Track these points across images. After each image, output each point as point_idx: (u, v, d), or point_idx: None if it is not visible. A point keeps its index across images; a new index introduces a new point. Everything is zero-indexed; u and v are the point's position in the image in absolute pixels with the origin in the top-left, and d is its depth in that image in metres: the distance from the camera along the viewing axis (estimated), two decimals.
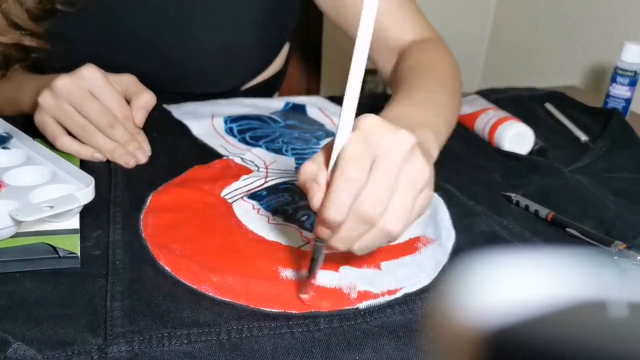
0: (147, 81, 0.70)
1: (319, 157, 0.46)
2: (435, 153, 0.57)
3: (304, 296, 0.48)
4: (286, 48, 0.94)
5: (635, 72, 0.92)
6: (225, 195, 0.63)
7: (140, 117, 0.68)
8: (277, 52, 0.91)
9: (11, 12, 0.67)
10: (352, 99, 0.43)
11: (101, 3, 0.74)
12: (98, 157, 0.67)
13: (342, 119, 0.44)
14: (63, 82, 0.63)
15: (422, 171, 0.44)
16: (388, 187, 0.43)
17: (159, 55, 0.79)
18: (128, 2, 0.76)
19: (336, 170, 0.43)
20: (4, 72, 0.73)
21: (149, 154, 0.69)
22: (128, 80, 0.69)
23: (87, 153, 0.67)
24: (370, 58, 0.84)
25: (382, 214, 0.44)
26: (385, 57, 0.81)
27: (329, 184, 0.44)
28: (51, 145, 0.66)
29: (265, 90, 0.92)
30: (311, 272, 0.48)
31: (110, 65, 0.69)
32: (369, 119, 0.44)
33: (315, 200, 0.44)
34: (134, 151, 0.67)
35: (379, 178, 0.43)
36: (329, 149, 0.45)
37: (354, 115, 0.44)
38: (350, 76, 0.43)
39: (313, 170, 0.45)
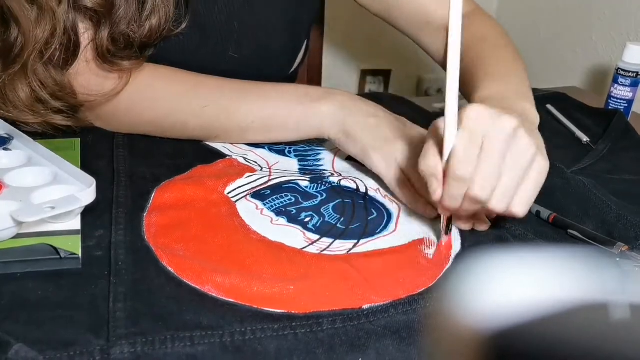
0: None
1: (430, 150, 0.54)
2: (537, 119, 0.61)
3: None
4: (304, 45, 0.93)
5: (637, 73, 0.92)
6: (229, 192, 0.63)
7: None
8: (299, 50, 0.90)
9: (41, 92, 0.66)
10: (454, 93, 0.51)
11: None
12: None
13: (447, 118, 0.51)
14: None
15: (527, 149, 0.51)
16: (494, 172, 0.50)
17: (198, 63, 0.77)
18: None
19: (448, 170, 0.51)
20: None
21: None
22: None
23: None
24: (416, 41, 0.84)
25: (490, 196, 0.52)
26: (432, 37, 0.81)
27: (444, 177, 0.52)
28: (52, 147, 0.66)
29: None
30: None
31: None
32: (473, 110, 0.51)
33: (436, 195, 0.54)
34: None
35: (485, 167, 0.50)
36: (435, 139, 0.53)
37: (457, 113, 0.51)
38: (448, 70, 0.51)
39: (431, 165, 0.53)
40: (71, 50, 0.65)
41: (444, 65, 0.80)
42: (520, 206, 0.53)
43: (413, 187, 0.63)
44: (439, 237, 0.58)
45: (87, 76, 0.67)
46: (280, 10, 0.79)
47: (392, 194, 0.66)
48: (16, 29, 0.62)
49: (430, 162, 0.53)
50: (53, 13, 0.63)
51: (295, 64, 0.88)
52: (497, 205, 0.52)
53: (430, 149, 0.54)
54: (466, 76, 0.69)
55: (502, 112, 0.51)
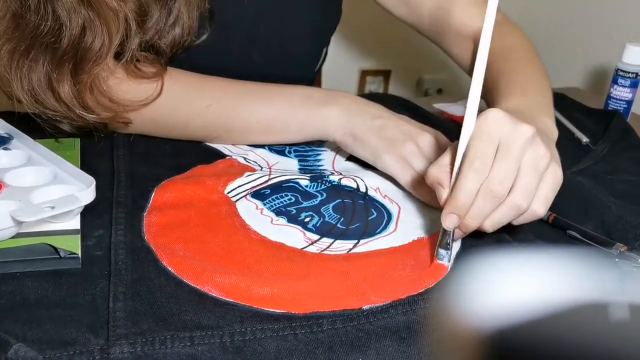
0: None
1: (443, 159, 0.55)
2: (555, 135, 0.64)
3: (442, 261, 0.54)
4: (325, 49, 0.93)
5: (637, 74, 0.92)
6: (229, 192, 0.63)
7: None
8: (320, 56, 0.90)
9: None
10: (475, 100, 0.52)
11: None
12: None
13: (466, 119, 0.52)
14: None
15: (543, 155, 0.52)
16: (512, 168, 0.51)
17: (222, 67, 0.77)
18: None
19: (465, 162, 0.51)
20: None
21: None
22: None
23: None
24: (444, 49, 0.85)
25: (510, 192, 0.51)
26: (460, 47, 0.82)
27: (458, 175, 0.52)
28: (52, 146, 0.66)
29: None
30: (442, 258, 0.54)
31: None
32: (492, 112, 0.52)
33: (441, 198, 0.54)
34: None
35: (504, 162, 0.51)
36: (453, 148, 0.54)
37: (475, 115, 0.52)
38: (473, 78, 0.53)
39: (436, 174, 0.55)
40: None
41: (470, 72, 0.81)
42: (540, 205, 0.53)
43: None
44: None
45: (118, 85, 0.67)
46: (305, 17, 0.80)
47: (392, 194, 0.66)
48: (93, 33, 0.61)
49: (434, 170, 0.55)
50: (124, 15, 0.62)
51: (315, 69, 0.89)
52: (520, 200, 0.51)
53: (440, 159, 0.55)
54: (489, 87, 0.71)
55: (519, 120, 0.52)
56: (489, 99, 0.72)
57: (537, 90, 0.69)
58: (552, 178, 0.54)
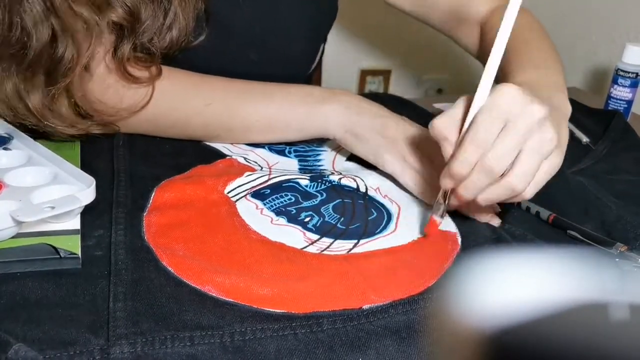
0: None
1: (453, 111, 0.54)
2: (569, 110, 0.63)
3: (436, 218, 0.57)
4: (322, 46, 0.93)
5: (637, 74, 0.92)
6: (228, 192, 0.63)
7: None
8: (317, 53, 0.90)
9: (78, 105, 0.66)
10: (493, 68, 0.53)
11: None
12: None
13: (482, 84, 0.52)
14: None
15: (550, 140, 0.51)
16: (514, 148, 0.50)
17: (218, 66, 0.77)
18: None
19: (468, 132, 0.51)
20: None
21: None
22: None
23: None
24: (451, 36, 0.86)
25: (507, 171, 0.51)
26: (468, 32, 0.84)
27: (460, 141, 0.52)
28: (52, 146, 0.66)
29: None
30: (434, 213, 0.57)
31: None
32: (507, 87, 0.51)
33: (446, 154, 0.54)
34: None
35: (506, 140, 0.50)
36: (466, 102, 0.53)
37: (491, 83, 0.52)
38: (495, 42, 0.53)
39: (444, 126, 0.54)
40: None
41: (479, 58, 0.82)
42: (530, 189, 0.53)
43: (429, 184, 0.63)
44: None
45: (108, 89, 0.67)
46: (302, 15, 0.80)
47: (393, 194, 0.66)
48: (64, 44, 0.62)
49: (441, 123, 0.54)
50: (97, 26, 0.63)
51: (312, 67, 0.89)
52: (516, 182, 0.51)
53: (447, 113, 0.54)
54: (502, 62, 0.70)
55: (534, 99, 0.51)
56: (499, 74, 0.72)
57: (549, 65, 0.69)
58: (550, 166, 0.53)
